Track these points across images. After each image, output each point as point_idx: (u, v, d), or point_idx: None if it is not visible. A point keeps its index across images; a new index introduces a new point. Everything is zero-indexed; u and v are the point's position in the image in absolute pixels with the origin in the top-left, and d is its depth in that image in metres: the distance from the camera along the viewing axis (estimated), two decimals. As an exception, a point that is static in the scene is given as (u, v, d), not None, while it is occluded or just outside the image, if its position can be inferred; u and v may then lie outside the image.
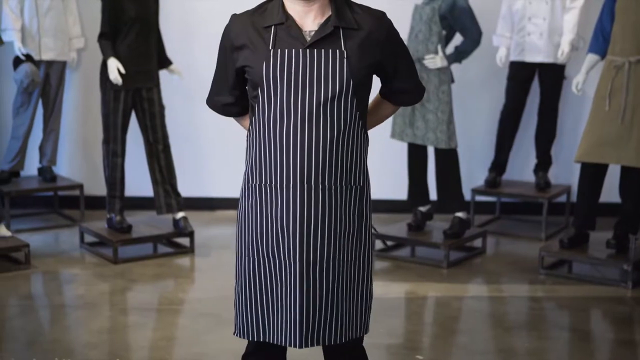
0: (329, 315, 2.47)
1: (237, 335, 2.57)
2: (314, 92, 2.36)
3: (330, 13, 2.42)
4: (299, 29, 2.39)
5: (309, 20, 2.41)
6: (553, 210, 6.21)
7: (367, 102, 2.50)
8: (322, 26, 2.39)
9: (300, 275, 2.42)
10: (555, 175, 6.36)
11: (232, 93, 2.54)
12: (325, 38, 2.38)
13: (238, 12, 2.50)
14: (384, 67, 2.49)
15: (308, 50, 2.37)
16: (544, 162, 6.12)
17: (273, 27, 2.40)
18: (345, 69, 2.37)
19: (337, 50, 2.37)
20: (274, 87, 2.37)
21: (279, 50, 2.37)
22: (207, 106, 2.65)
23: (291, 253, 2.42)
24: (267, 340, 2.52)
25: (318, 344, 2.49)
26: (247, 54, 2.41)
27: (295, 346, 2.47)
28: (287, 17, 2.40)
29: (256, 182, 2.46)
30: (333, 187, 2.42)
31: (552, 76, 5.91)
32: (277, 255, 2.45)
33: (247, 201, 2.49)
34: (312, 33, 2.39)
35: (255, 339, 2.53)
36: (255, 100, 2.42)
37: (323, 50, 2.37)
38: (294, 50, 2.37)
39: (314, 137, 2.37)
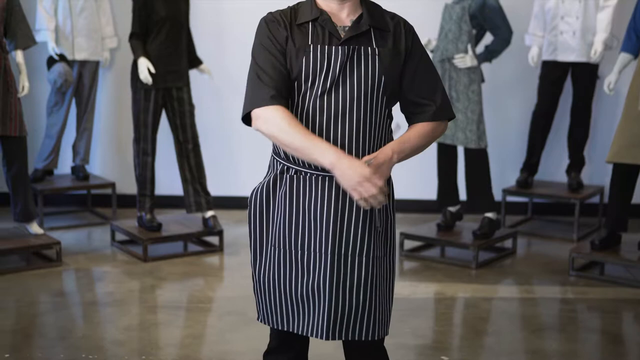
0: (358, 310, 2.46)
1: (260, 321, 2.59)
2: (347, 88, 2.40)
3: (361, 11, 2.47)
4: (333, 25, 2.44)
5: (343, 16, 2.47)
6: (586, 211, 6.14)
7: (396, 102, 2.52)
8: (356, 23, 2.44)
9: (331, 267, 2.43)
10: (588, 175, 6.29)
11: (285, 82, 2.41)
12: (358, 36, 2.43)
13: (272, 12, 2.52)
14: (404, 70, 2.48)
15: (345, 46, 2.41)
16: (576, 162, 6.05)
17: (310, 23, 2.44)
18: (377, 65, 2.41)
19: (369, 48, 2.42)
20: (312, 82, 2.40)
21: (318, 46, 2.41)
22: (238, 107, 2.59)
23: (322, 245, 2.43)
24: (292, 330, 2.52)
25: (345, 337, 2.49)
26: (290, 45, 2.43)
27: (321, 338, 2.47)
28: (321, 12, 2.45)
29: (289, 172, 2.47)
30: None
31: (585, 75, 5.84)
32: (308, 247, 2.46)
33: (278, 192, 2.50)
34: (346, 29, 2.44)
35: (280, 328, 2.54)
36: (290, 94, 2.45)
37: (357, 47, 2.42)
38: (332, 47, 2.41)
39: (347, 131, 2.40)
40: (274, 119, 2.34)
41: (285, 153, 2.48)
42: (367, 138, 2.42)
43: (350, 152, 2.40)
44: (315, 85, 2.40)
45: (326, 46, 2.40)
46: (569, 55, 5.78)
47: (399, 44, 2.46)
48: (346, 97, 2.40)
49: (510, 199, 6.19)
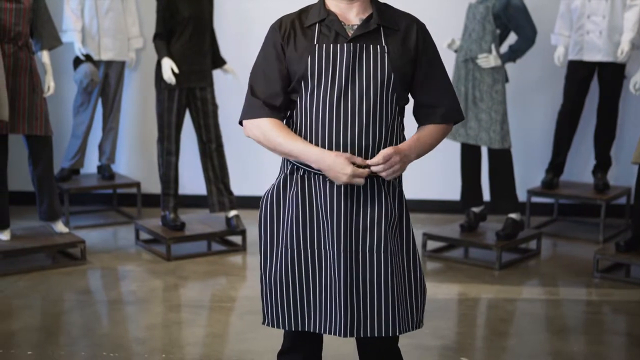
0: (374, 305, 2.46)
1: (267, 324, 2.60)
2: (356, 85, 2.42)
3: (371, 11, 2.49)
4: (341, 24, 2.46)
5: (351, 16, 2.49)
6: (612, 212, 6.08)
7: (407, 101, 2.52)
8: (365, 22, 2.46)
9: (344, 264, 2.44)
10: (614, 176, 6.22)
11: (285, 92, 2.48)
12: (366, 34, 2.45)
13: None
14: (415, 71, 2.49)
15: (351, 44, 2.42)
16: (603, 163, 5.99)
17: (317, 24, 2.47)
18: (386, 62, 2.42)
19: (378, 46, 2.44)
20: (318, 80, 2.42)
21: (324, 45, 2.43)
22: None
23: (335, 242, 2.44)
24: (307, 330, 2.53)
25: (364, 334, 2.49)
26: (292, 49, 2.46)
27: (339, 335, 2.48)
28: (329, 13, 2.48)
29: (299, 172, 2.48)
30: (375, 176, 2.45)
31: (612, 75, 5.78)
32: (320, 245, 2.47)
33: (288, 192, 2.51)
34: (355, 27, 2.46)
35: (293, 329, 2.55)
36: (297, 94, 2.47)
37: (364, 45, 2.43)
38: (338, 45, 2.43)
39: (357, 128, 2.42)
40: (258, 129, 2.47)
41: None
42: (377, 135, 2.43)
43: (360, 149, 2.42)
44: (322, 84, 2.41)
45: (331, 45, 2.42)
46: (596, 55, 5.72)
47: (409, 42, 2.46)
48: (355, 94, 2.41)
49: (536, 199, 6.15)
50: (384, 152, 2.37)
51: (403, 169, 2.43)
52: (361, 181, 2.37)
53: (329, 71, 2.41)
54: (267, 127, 2.45)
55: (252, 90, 2.50)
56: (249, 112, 2.49)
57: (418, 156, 2.49)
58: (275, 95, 2.47)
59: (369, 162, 2.39)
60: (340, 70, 2.41)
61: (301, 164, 2.48)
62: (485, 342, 4.12)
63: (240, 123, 2.53)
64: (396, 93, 2.45)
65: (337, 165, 2.36)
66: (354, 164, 2.38)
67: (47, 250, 5.12)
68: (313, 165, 2.41)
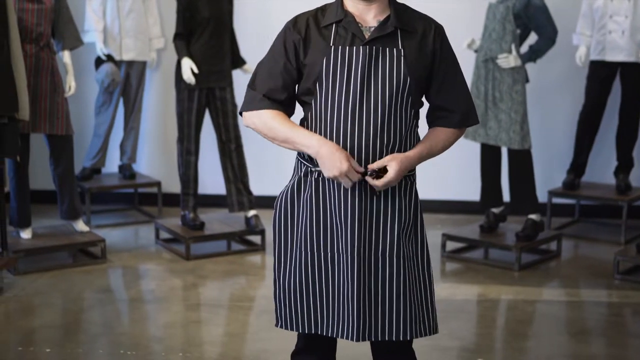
0: (385, 310, 2.46)
1: (280, 326, 2.60)
2: (371, 88, 2.41)
3: (389, 13, 2.46)
4: (358, 26, 2.44)
5: (369, 17, 2.47)
6: (634, 213, 6.02)
7: (422, 104, 2.52)
8: (382, 24, 2.44)
9: (358, 268, 2.44)
10: (637, 177, 6.16)
11: (287, 89, 2.49)
12: (383, 37, 2.43)
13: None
14: (431, 75, 2.47)
15: (367, 47, 2.41)
16: (625, 164, 5.94)
17: (334, 24, 2.46)
18: (402, 66, 2.41)
19: (395, 49, 2.42)
20: (333, 82, 2.41)
21: (339, 47, 2.42)
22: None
23: (349, 245, 2.44)
24: (320, 333, 2.53)
25: (375, 338, 2.48)
26: (307, 50, 2.45)
27: (351, 339, 2.48)
28: (347, 14, 2.45)
29: (313, 175, 2.48)
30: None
31: (634, 75, 5.73)
32: (334, 248, 2.47)
33: (302, 195, 2.51)
34: (372, 29, 2.44)
35: (307, 331, 2.54)
36: (312, 96, 2.46)
37: (381, 47, 2.41)
38: (354, 47, 2.41)
39: (372, 131, 2.41)
40: (259, 119, 2.46)
41: (309, 155, 2.48)
42: (392, 138, 2.42)
43: (374, 152, 2.41)
44: (337, 86, 2.40)
45: (347, 47, 2.40)
46: (618, 54, 5.67)
47: (426, 46, 2.44)
48: (370, 97, 2.40)
49: (557, 200, 6.10)
50: (394, 173, 2.37)
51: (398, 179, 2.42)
52: (348, 182, 2.37)
53: (344, 73, 2.40)
54: (268, 117, 2.45)
55: (253, 83, 2.49)
56: (250, 104, 2.48)
57: (421, 161, 2.49)
58: (275, 91, 2.46)
59: (371, 166, 2.40)
60: (355, 73, 2.40)
61: (308, 160, 2.48)
62: (503, 343, 4.10)
63: (240, 114, 2.54)
64: (411, 97, 2.43)
65: (335, 156, 2.35)
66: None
67: (67, 248, 5.16)
68: (309, 151, 2.39)
